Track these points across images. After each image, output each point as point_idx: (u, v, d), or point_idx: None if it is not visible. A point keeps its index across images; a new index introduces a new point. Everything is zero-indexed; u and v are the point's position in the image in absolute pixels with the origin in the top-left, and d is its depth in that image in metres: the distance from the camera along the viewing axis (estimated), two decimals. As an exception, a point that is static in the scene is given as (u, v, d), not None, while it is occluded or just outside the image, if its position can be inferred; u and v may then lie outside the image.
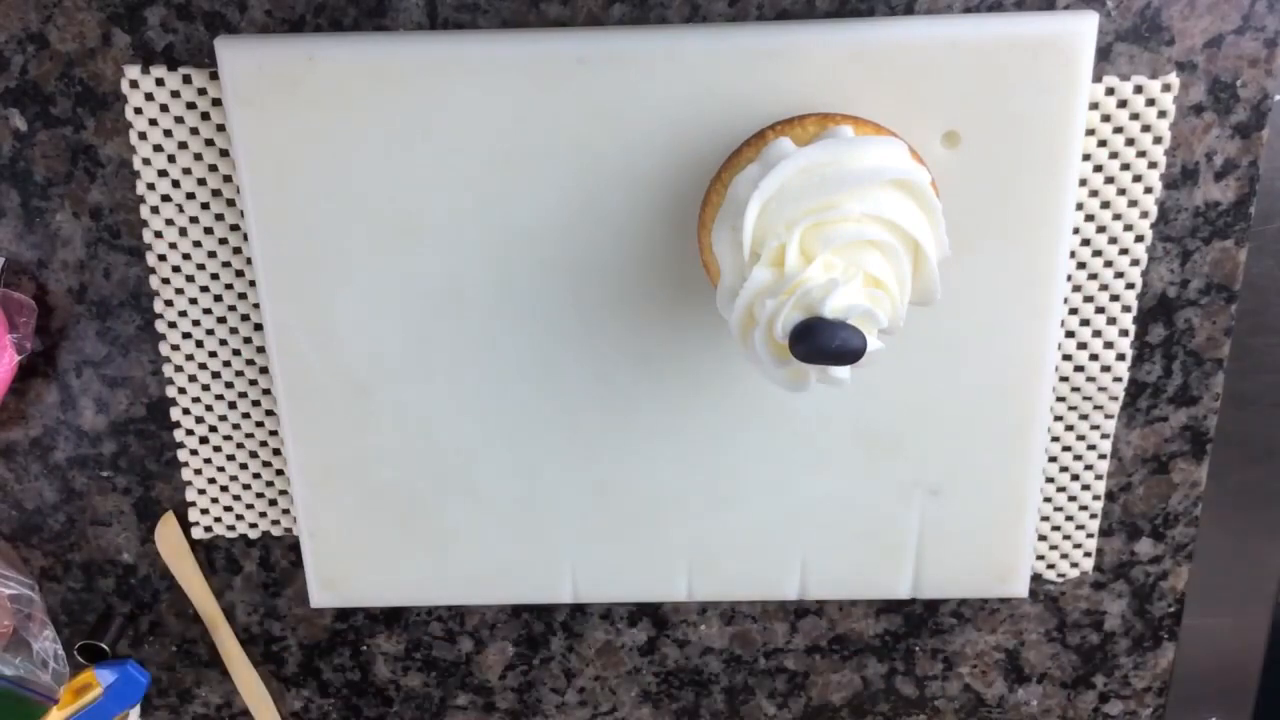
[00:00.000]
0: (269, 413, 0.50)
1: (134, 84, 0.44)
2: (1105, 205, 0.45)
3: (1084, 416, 0.49)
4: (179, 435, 0.51)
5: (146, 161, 0.45)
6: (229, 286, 0.48)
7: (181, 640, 0.56)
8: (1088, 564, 0.52)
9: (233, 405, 0.50)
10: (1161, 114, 0.43)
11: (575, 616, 0.55)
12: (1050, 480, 0.50)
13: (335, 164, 0.43)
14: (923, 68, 0.41)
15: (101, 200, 0.47)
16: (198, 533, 0.53)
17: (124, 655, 0.56)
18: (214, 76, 0.44)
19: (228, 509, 0.52)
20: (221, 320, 0.48)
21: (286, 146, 0.43)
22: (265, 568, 0.54)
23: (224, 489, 0.52)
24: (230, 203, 0.46)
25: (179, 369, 0.49)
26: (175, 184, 0.46)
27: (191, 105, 0.44)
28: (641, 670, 0.56)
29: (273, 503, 0.52)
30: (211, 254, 0.47)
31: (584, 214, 0.44)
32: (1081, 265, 0.46)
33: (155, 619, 0.55)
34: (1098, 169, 0.44)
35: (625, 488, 0.49)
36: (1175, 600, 0.53)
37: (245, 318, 0.48)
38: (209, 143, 0.45)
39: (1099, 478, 0.50)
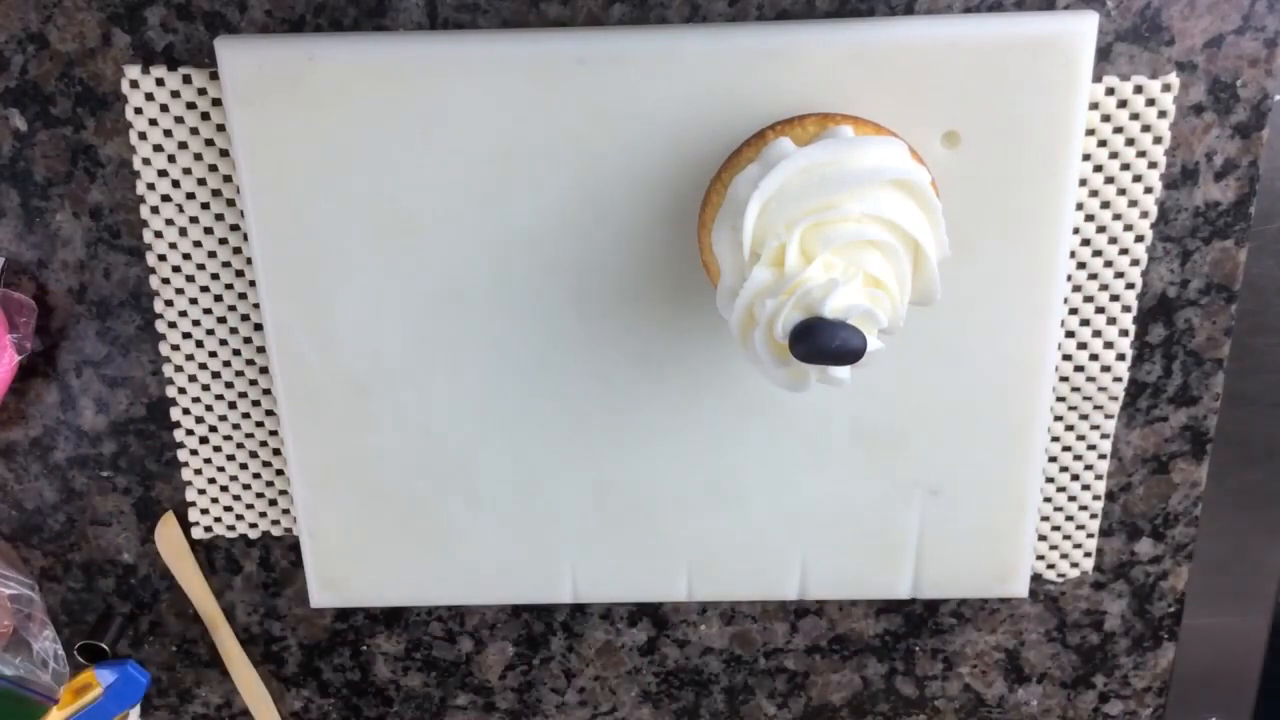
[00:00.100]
0: (269, 413, 0.50)
1: (134, 84, 0.44)
2: (1105, 205, 0.45)
3: (1084, 416, 0.49)
4: (179, 435, 0.51)
5: (146, 161, 0.45)
6: (229, 286, 0.48)
7: (181, 640, 0.56)
8: (1088, 564, 0.52)
9: (233, 405, 0.50)
10: (1161, 114, 0.43)
11: (575, 616, 0.55)
12: (1050, 480, 0.50)
13: (335, 164, 0.43)
14: (923, 68, 0.41)
15: (101, 200, 0.47)
16: (198, 533, 0.53)
17: (124, 655, 0.56)
18: (214, 76, 0.44)
19: (228, 509, 0.52)
20: (221, 320, 0.48)
21: (286, 146, 0.43)
22: (265, 568, 0.54)
23: (224, 489, 0.52)
24: (230, 203, 0.46)
25: (179, 369, 0.49)
26: (175, 184, 0.46)
27: (191, 105, 0.44)
28: (641, 670, 0.56)
29: (273, 503, 0.52)
30: (211, 254, 0.47)
31: (584, 214, 0.44)
32: (1081, 265, 0.46)
33: (155, 619, 0.55)
34: (1098, 169, 0.44)
35: (625, 488, 0.49)
36: (1175, 600, 0.53)
37: (245, 318, 0.48)
38: (209, 143, 0.45)
39: (1099, 478, 0.50)
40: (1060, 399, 0.48)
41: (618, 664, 0.56)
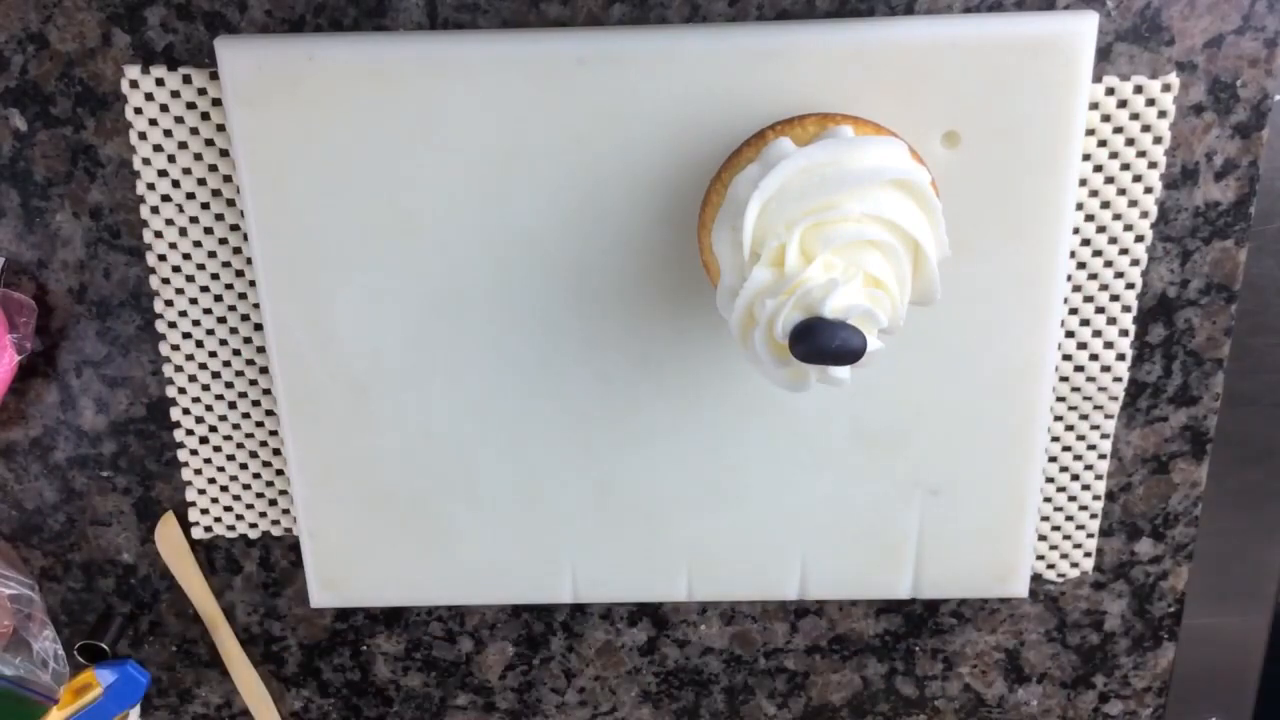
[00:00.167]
0: (269, 413, 0.50)
1: (134, 84, 0.44)
2: (1105, 205, 0.45)
3: (1084, 416, 0.49)
4: (179, 435, 0.51)
5: (146, 161, 0.45)
6: (229, 286, 0.48)
7: (181, 640, 0.56)
8: (1088, 564, 0.52)
9: (233, 405, 0.50)
10: (1161, 114, 0.43)
11: (575, 616, 0.55)
12: (1050, 480, 0.50)
13: (335, 164, 0.43)
14: (923, 68, 0.41)
15: (101, 200, 0.47)
16: (198, 533, 0.53)
17: (124, 655, 0.56)
18: (214, 76, 0.44)
19: (228, 509, 0.52)
20: (221, 320, 0.48)
21: (286, 146, 0.43)
22: (265, 568, 0.54)
23: (224, 489, 0.52)
24: (230, 203, 0.46)
25: (179, 369, 0.49)
26: (175, 184, 0.46)
27: (191, 105, 0.44)
28: (641, 670, 0.56)
29: (273, 503, 0.52)
30: (211, 254, 0.47)
31: (584, 214, 0.44)
32: (1081, 265, 0.46)
33: (155, 619, 0.55)
34: (1098, 169, 0.44)
35: (625, 488, 0.49)
36: (1175, 600, 0.53)
37: (245, 318, 0.48)
38: (209, 143, 0.45)
39: (1099, 478, 0.50)
40: (1060, 399, 0.48)
41: (618, 664, 0.56)
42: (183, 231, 0.47)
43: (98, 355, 0.49)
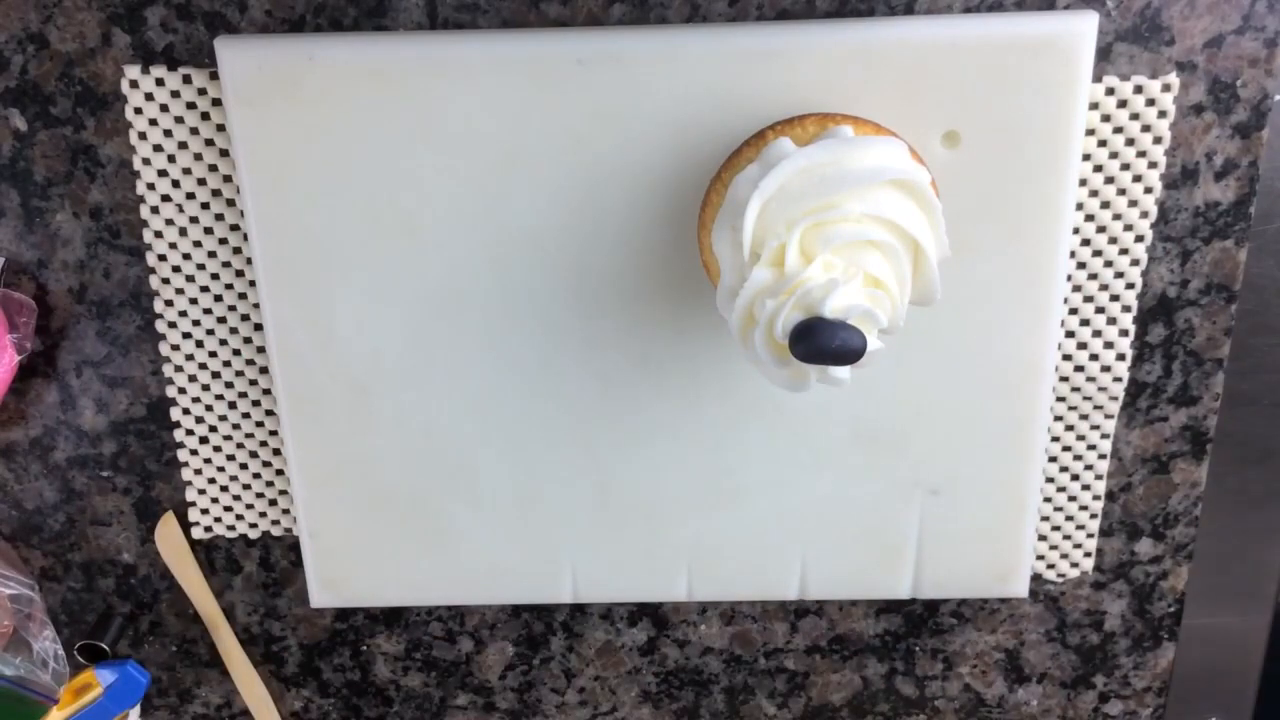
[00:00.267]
0: (269, 413, 0.50)
1: (134, 84, 0.44)
2: (1105, 205, 0.45)
3: (1084, 416, 0.49)
4: (179, 435, 0.51)
5: (146, 161, 0.45)
6: (229, 286, 0.48)
7: (181, 640, 0.56)
8: (1088, 564, 0.52)
9: (233, 405, 0.50)
10: (1161, 114, 0.43)
11: (575, 616, 0.55)
12: (1050, 480, 0.50)
13: (335, 164, 0.43)
14: (923, 68, 0.41)
15: (101, 200, 0.47)
16: (198, 533, 0.53)
17: (124, 655, 0.56)
18: (214, 76, 0.44)
19: (228, 509, 0.52)
20: (221, 320, 0.48)
21: (286, 146, 0.43)
22: (265, 568, 0.54)
23: (224, 489, 0.52)
24: (230, 203, 0.46)
25: (179, 369, 0.49)
26: (175, 184, 0.46)
27: (191, 105, 0.44)
28: (641, 670, 0.56)
29: (273, 503, 0.52)
30: (211, 254, 0.47)
31: (584, 214, 0.44)
32: (1081, 265, 0.46)
33: (155, 619, 0.55)
34: (1098, 169, 0.44)
35: (625, 488, 0.49)
36: (1175, 600, 0.53)
37: (245, 318, 0.48)
38: (209, 143, 0.45)
39: (1099, 478, 0.50)
40: (1060, 399, 0.48)
41: (618, 664, 0.56)
42: (183, 231, 0.47)
43: (98, 355, 0.49)
